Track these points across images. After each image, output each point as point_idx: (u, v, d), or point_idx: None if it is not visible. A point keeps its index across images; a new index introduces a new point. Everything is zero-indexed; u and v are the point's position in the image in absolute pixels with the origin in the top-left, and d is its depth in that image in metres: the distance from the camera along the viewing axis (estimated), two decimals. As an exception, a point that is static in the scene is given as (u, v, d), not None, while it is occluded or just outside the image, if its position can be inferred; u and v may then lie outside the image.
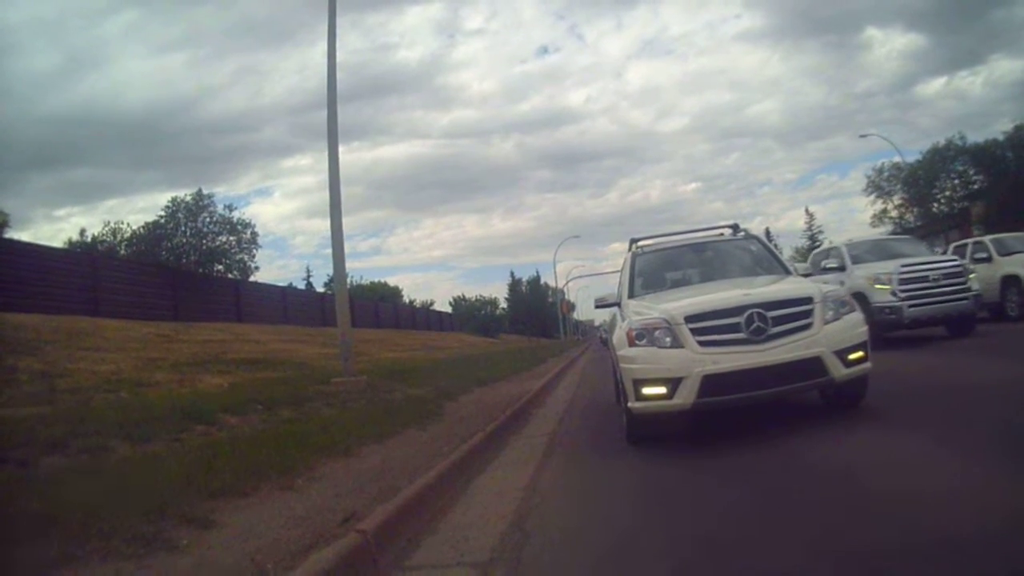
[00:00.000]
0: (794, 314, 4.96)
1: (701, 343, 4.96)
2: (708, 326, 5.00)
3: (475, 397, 10.20)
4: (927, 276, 10.67)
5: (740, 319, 4.91)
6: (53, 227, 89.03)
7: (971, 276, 11.17)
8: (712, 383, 4.83)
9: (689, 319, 5.05)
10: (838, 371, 4.86)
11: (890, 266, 11.07)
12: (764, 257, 6.81)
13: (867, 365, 5.08)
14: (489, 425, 6.78)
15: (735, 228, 7.42)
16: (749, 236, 7.32)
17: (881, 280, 10.86)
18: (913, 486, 3.31)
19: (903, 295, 10.58)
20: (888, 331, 10.67)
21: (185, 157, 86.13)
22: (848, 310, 5.17)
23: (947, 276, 10.69)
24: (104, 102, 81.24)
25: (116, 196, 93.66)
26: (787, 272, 6.40)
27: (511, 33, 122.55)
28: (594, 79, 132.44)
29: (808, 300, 5.04)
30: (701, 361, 4.88)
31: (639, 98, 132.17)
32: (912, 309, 10.51)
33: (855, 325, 5.10)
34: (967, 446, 3.93)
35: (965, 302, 10.65)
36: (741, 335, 4.89)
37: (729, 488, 3.88)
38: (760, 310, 4.91)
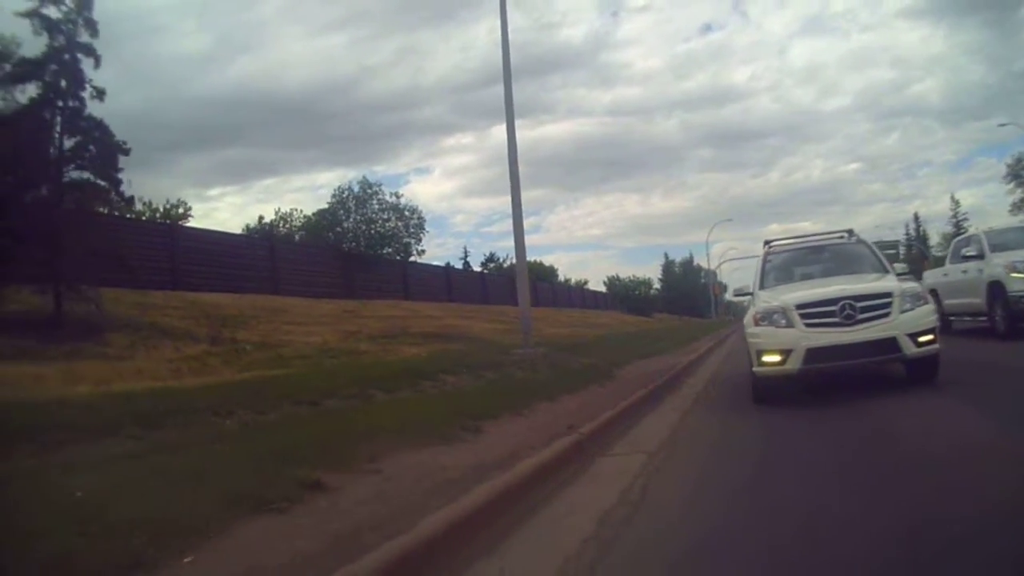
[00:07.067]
0: (877, 304, 6.69)
1: (807, 324, 6.80)
2: (812, 312, 6.83)
3: (637, 366, 12.24)
4: None
5: (836, 307, 6.71)
6: (206, 206, 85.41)
7: None
8: (813, 354, 6.69)
9: (798, 307, 6.91)
10: (909, 349, 6.54)
11: None
12: (868, 258, 8.47)
13: (936, 347, 6.70)
14: (650, 385, 8.94)
15: (849, 233, 9.14)
16: (859, 241, 9.05)
17: (1018, 268, 10.65)
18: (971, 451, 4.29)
19: None
20: (1022, 321, 10.57)
21: (344, 136, 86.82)
22: (922, 303, 6.84)
23: None
24: (260, 83, 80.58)
25: (272, 175, 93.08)
26: (886, 271, 7.98)
27: (675, 10, 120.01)
28: (757, 57, 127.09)
29: (888, 295, 6.75)
30: (806, 337, 6.73)
31: (802, 76, 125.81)
32: None
33: (926, 315, 6.77)
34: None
35: None
36: (836, 319, 6.69)
37: (827, 437, 5.39)
38: (851, 301, 6.68)
